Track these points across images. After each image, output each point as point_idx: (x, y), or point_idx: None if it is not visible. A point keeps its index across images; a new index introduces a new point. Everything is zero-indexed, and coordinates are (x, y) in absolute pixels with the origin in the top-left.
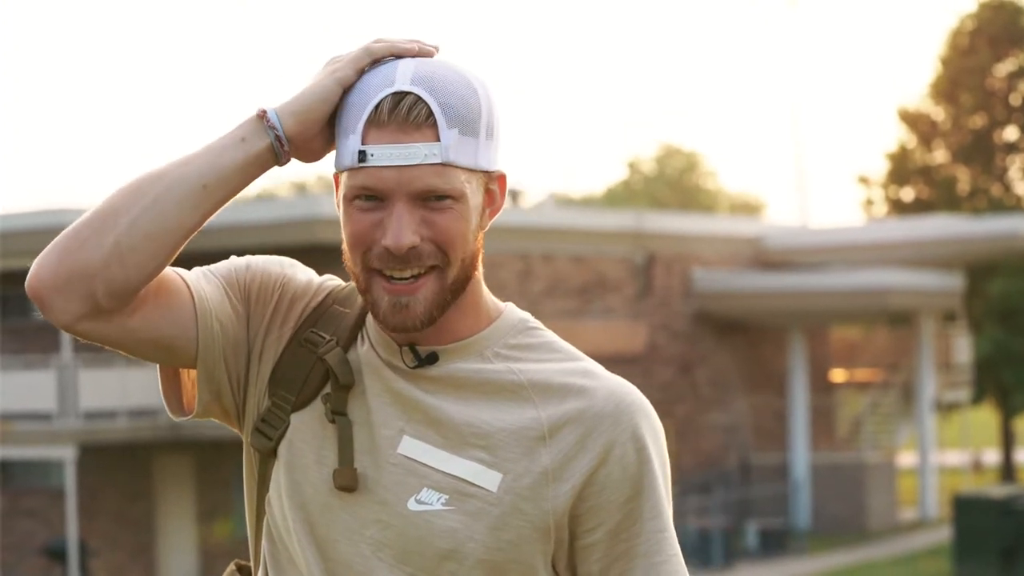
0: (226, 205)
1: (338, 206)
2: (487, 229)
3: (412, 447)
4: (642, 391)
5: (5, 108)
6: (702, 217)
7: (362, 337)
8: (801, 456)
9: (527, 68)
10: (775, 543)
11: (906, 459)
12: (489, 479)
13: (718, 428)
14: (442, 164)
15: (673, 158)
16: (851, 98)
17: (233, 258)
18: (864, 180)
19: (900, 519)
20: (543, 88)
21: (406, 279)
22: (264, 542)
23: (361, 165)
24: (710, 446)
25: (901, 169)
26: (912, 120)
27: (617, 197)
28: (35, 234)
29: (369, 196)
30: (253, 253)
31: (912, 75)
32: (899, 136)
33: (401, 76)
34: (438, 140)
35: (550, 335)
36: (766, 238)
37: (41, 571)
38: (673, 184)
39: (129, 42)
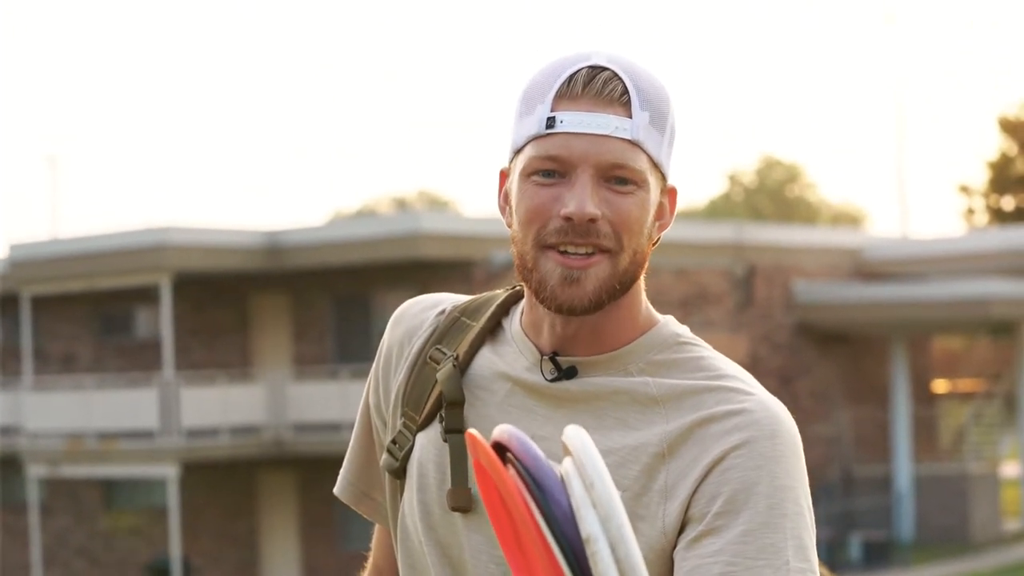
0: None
1: (507, 195)
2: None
3: None
4: None
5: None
6: (803, 228)
7: (495, 346)
8: (904, 467)
9: None
10: (879, 555)
11: (1010, 470)
12: None
13: (820, 440)
14: (631, 141)
15: (774, 170)
16: (952, 108)
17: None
18: (965, 189)
19: (1004, 530)
20: None
21: (581, 254)
22: (400, 566)
23: (549, 132)
24: (812, 458)
25: (1002, 178)
26: (1013, 129)
27: (718, 209)
28: (131, 253)
29: (549, 172)
30: (353, 269)
31: (1013, 84)
32: (1000, 145)
33: (596, 54)
34: (630, 118)
35: (704, 351)
36: (867, 249)
37: None
38: (774, 196)
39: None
